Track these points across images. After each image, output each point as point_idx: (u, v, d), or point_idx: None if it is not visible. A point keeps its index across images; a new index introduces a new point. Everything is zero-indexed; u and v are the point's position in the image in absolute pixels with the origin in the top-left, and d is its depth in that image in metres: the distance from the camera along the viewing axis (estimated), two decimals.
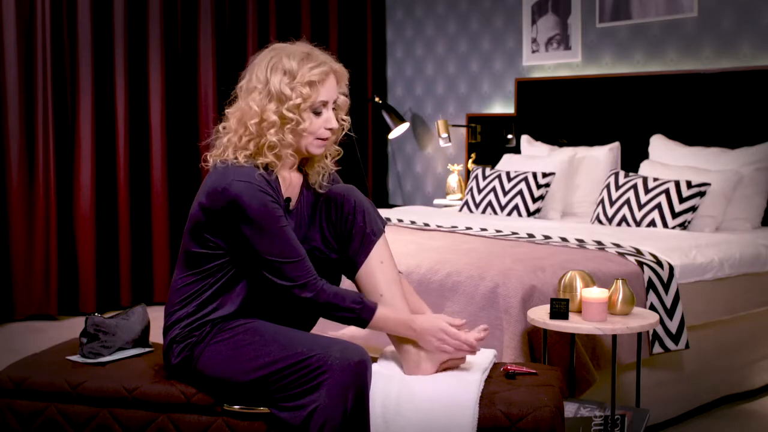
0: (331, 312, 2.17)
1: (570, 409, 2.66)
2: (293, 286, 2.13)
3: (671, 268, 3.28)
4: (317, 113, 2.21)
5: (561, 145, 5.12)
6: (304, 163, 2.34)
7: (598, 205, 4.31)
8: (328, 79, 2.21)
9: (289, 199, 2.26)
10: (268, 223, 2.11)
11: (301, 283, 2.13)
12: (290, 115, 2.16)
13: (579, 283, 2.76)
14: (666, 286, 3.23)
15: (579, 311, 2.73)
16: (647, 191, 4.09)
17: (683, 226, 3.95)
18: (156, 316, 2.73)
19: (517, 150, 5.35)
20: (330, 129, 2.23)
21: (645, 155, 4.59)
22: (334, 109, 2.26)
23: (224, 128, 2.24)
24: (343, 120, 2.31)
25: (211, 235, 2.16)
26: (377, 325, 2.20)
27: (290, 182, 2.28)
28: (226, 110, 2.26)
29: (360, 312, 2.17)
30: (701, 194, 3.98)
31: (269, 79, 2.17)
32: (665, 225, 3.96)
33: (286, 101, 2.16)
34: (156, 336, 2.50)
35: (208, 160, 2.26)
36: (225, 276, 2.18)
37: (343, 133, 2.34)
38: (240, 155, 2.17)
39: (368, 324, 2.19)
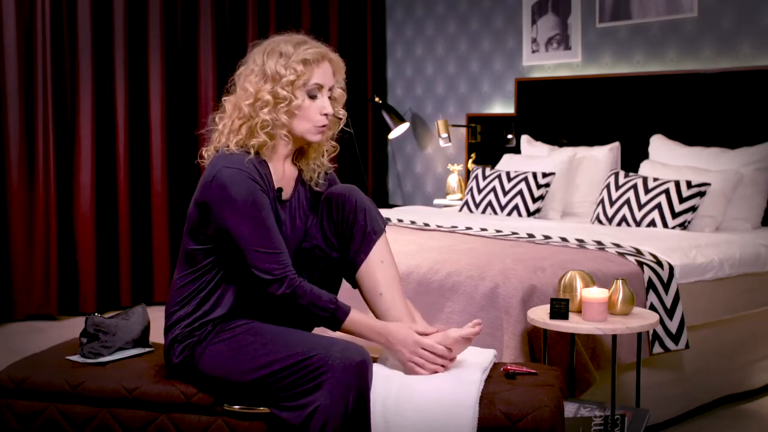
0: (306, 310, 2.15)
1: (570, 409, 2.66)
2: (271, 280, 2.11)
3: (671, 268, 3.28)
4: (312, 96, 2.22)
5: (561, 145, 5.12)
6: (299, 158, 2.34)
7: (598, 205, 4.31)
8: (324, 63, 2.22)
9: (280, 189, 2.26)
10: (251, 211, 2.11)
11: (279, 276, 2.12)
12: (283, 92, 2.18)
13: (579, 283, 2.76)
14: (666, 286, 3.23)
15: (579, 311, 2.73)
16: (647, 191, 4.09)
17: (683, 226, 3.95)
18: (156, 316, 2.73)
19: (517, 150, 5.35)
20: (326, 115, 2.23)
21: (645, 155, 4.59)
22: (331, 98, 2.26)
23: (220, 117, 2.26)
24: (338, 113, 2.31)
25: (205, 229, 2.17)
26: (349, 329, 2.19)
27: (284, 174, 2.28)
28: (223, 98, 2.28)
29: (334, 312, 2.16)
30: (701, 194, 3.98)
31: (265, 62, 2.20)
32: (665, 225, 3.96)
33: (280, 79, 2.18)
34: (156, 336, 2.50)
35: (204, 157, 2.27)
36: (221, 273, 2.19)
37: (340, 127, 2.35)
38: (232, 140, 2.18)
39: (341, 326, 2.18)
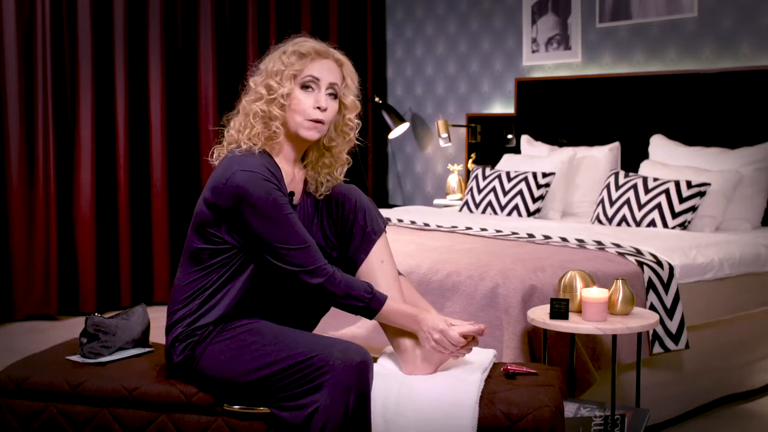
0: (340, 299, 2.17)
1: (570, 409, 2.66)
2: (301, 271, 2.13)
3: (671, 268, 3.28)
4: (305, 87, 2.22)
5: (561, 145, 5.12)
6: (307, 165, 2.35)
7: (598, 205, 4.31)
8: (324, 60, 2.24)
9: (292, 193, 2.26)
10: (273, 212, 2.12)
11: (310, 269, 2.13)
12: (273, 83, 2.20)
13: (579, 283, 2.76)
14: (666, 286, 3.23)
15: (579, 311, 2.73)
16: (647, 191, 4.09)
17: (683, 226, 3.95)
18: (156, 316, 2.73)
19: (517, 150, 5.35)
20: (318, 108, 2.21)
21: (645, 155, 4.59)
22: (342, 104, 2.26)
23: (231, 117, 2.29)
24: (350, 120, 2.31)
25: (215, 229, 2.17)
26: (385, 317, 2.21)
27: (293, 178, 2.28)
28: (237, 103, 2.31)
29: (369, 302, 2.18)
30: (701, 194, 3.98)
31: (268, 61, 2.25)
32: (665, 225, 3.96)
33: (273, 71, 2.22)
34: (156, 336, 2.50)
35: (214, 155, 2.28)
36: (227, 273, 2.18)
37: (353, 136, 2.34)
38: (242, 138, 2.20)
39: (376, 314, 2.19)
